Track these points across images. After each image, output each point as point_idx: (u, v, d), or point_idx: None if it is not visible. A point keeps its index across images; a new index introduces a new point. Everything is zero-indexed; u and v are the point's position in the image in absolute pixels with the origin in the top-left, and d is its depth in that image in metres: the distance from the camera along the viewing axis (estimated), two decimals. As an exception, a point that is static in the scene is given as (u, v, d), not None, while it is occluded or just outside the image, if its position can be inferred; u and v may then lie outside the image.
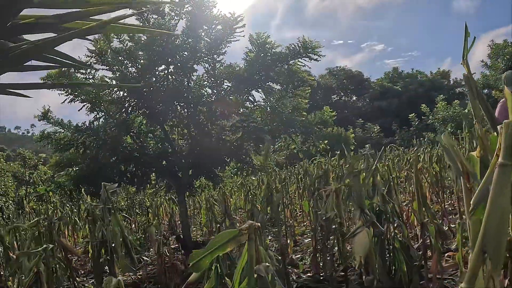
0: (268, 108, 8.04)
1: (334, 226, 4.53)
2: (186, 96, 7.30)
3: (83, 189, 8.24)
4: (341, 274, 4.66)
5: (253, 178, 17.36)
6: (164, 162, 7.79)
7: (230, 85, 7.52)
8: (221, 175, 9.49)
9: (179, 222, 13.09)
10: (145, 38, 6.81)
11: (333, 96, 55.44)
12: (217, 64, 7.42)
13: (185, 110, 7.63)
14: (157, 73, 7.33)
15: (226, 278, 2.37)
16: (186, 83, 7.38)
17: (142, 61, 7.12)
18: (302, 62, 7.41)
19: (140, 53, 7.11)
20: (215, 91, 7.59)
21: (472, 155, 2.08)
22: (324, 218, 4.41)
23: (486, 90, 38.21)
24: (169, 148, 7.91)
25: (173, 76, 7.35)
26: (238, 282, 1.78)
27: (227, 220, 4.61)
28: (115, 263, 4.35)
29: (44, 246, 3.13)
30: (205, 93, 7.62)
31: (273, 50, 7.35)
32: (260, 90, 7.84)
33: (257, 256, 1.76)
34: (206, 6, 6.78)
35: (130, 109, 7.34)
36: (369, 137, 38.71)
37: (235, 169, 10.25)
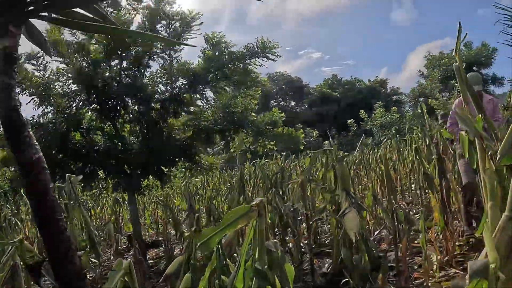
0: (221, 107, 8.05)
1: (300, 218, 4.61)
2: (140, 92, 7.18)
3: (22, 190, 7.92)
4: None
5: (197, 179, 17.20)
6: (113, 160, 7.61)
7: (185, 82, 7.48)
8: (170, 175, 9.39)
9: (122, 224, 12.84)
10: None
11: (272, 101, 55.90)
12: (173, 60, 7.36)
13: (138, 106, 7.51)
14: (108, 67, 7.18)
15: (227, 259, 2.37)
16: (140, 79, 7.27)
17: (94, 55, 6.95)
18: (259, 62, 7.48)
19: (94, 46, 6.94)
20: (169, 88, 7.53)
21: (461, 134, 2.22)
22: (292, 209, 4.48)
23: (422, 98, 39.94)
24: (119, 146, 7.74)
25: (126, 72, 7.22)
26: (244, 259, 1.79)
27: (192, 215, 4.59)
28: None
29: (20, 237, 2.96)
30: (159, 90, 7.55)
31: (228, 49, 7.39)
32: (213, 88, 7.84)
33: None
34: (166, 1, 6.73)
35: (81, 103, 7.14)
36: (308, 142, 39.22)
37: (183, 169, 10.17)
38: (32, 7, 1.66)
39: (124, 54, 6.98)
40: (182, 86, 7.51)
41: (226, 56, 7.31)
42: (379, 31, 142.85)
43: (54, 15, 1.83)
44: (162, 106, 7.50)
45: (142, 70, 7.27)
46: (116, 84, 7.00)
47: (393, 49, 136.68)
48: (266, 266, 1.78)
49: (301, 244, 5.28)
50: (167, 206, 7.23)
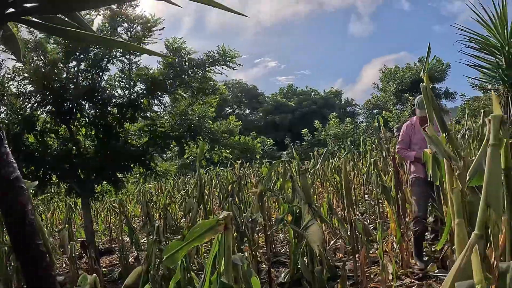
0: (178, 113, 8.00)
1: (258, 228, 4.62)
2: (97, 96, 7.04)
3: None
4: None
5: (150, 185, 17.00)
6: (67, 164, 7.40)
7: (143, 87, 7.40)
8: (124, 181, 9.24)
9: (74, 230, 12.53)
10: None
11: (226, 109, 55.86)
12: (132, 65, 7.26)
13: (94, 110, 7.36)
14: (66, 69, 6.99)
15: (191, 272, 2.35)
16: (97, 82, 7.13)
17: (52, 55, 6.74)
18: (218, 70, 7.48)
19: (52, 46, 6.77)
20: (127, 93, 7.42)
21: (425, 152, 2.29)
22: (250, 219, 4.49)
23: (376, 110, 40.92)
24: (74, 150, 7.54)
25: (84, 74, 7.07)
26: (209, 273, 1.78)
27: (149, 223, 4.53)
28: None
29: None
30: (116, 94, 7.43)
31: (188, 56, 7.36)
32: (171, 95, 7.79)
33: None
34: (129, 4, 6.63)
35: (36, 105, 6.93)
36: (262, 150, 39.15)
37: (138, 174, 10.04)
38: (13, 9, 1.56)
39: (82, 56, 6.83)
40: (140, 91, 7.43)
41: (187, 63, 7.27)
42: (336, 42, 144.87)
43: (34, 19, 1.73)
44: (119, 110, 7.37)
45: (100, 73, 7.13)
46: (72, 86, 6.83)
47: (349, 60, 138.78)
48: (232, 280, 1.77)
49: (257, 253, 5.29)
50: (123, 212, 7.07)
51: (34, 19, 1.72)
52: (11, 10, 1.50)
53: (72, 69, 6.98)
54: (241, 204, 6.31)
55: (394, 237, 4.93)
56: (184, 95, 7.93)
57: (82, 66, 7.01)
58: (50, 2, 1.60)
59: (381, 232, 3.81)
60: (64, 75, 6.91)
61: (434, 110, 2.03)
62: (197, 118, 8.05)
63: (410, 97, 28.26)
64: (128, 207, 12.95)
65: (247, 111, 58.88)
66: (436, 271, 4.81)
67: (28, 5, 1.55)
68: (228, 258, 1.72)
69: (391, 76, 40.68)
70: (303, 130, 34.25)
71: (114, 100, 7.33)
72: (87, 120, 7.46)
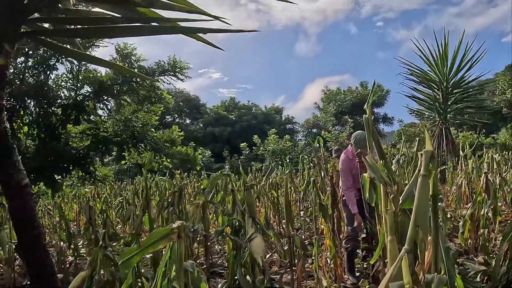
0: (122, 119, 8.00)
1: (199, 238, 4.72)
2: (42, 94, 6.96)
3: None
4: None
5: (87, 190, 16.61)
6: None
7: (90, 90, 7.37)
8: (62, 183, 9.08)
9: (7, 231, 12.06)
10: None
11: (167, 117, 55.38)
12: (82, 66, 7.23)
13: (38, 109, 7.25)
14: (13, 64, 6.87)
15: (143, 277, 2.45)
16: (44, 80, 7.04)
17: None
18: (167, 80, 7.57)
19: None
20: (73, 94, 7.37)
21: (364, 176, 2.51)
22: (192, 230, 4.58)
23: (315, 129, 41.88)
24: (14, 148, 7.35)
25: (31, 71, 6.97)
26: (160, 279, 1.91)
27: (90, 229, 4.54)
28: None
29: None
30: (62, 94, 7.36)
31: (138, 63, 7.41)
32: (117, 100, 7.80)
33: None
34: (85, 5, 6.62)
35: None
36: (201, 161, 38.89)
37: (77, 178, 9.89)
38: (30, 28, 1.65)
39: (31, 52, 6.74)
40: (87, 94, 7.40)
41: (136, 70, 7.32)
42: (282, 60, 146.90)
43: (43, 37, 1.82)
44: (64, 111, 7.31)
45: (48, 72, 7.05)
46: (18, 83, 6.72)
47: (293, 78, 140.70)
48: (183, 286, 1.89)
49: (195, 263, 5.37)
50: (62, 216, 6.96)
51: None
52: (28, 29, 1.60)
53: (20, 65, 6.87)
54: (181, 214, 6.38)
55: (328, 253, 5.18)
56: (130, 101, 7.96)
57: (30, 63, 6.91)
58: (63, 31, 1.71)
59: (317, 248, 4.04)
60: (11, 71, 6.80)
61: (374, 141, 2.26)
62: (140, 125, 8.08)
63: (349, 119, 29.18)
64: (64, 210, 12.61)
65: (188, 121, 58.54)
66: (367, 286, 5.10)
67: (44, 24, 1.66)
68: (180, 265, 1.85)
69: (332, 98, 42.09)
70: (241, 144, 34.36)
71: (59, 101, 7.26)
72: (30, 118, 7.34)
